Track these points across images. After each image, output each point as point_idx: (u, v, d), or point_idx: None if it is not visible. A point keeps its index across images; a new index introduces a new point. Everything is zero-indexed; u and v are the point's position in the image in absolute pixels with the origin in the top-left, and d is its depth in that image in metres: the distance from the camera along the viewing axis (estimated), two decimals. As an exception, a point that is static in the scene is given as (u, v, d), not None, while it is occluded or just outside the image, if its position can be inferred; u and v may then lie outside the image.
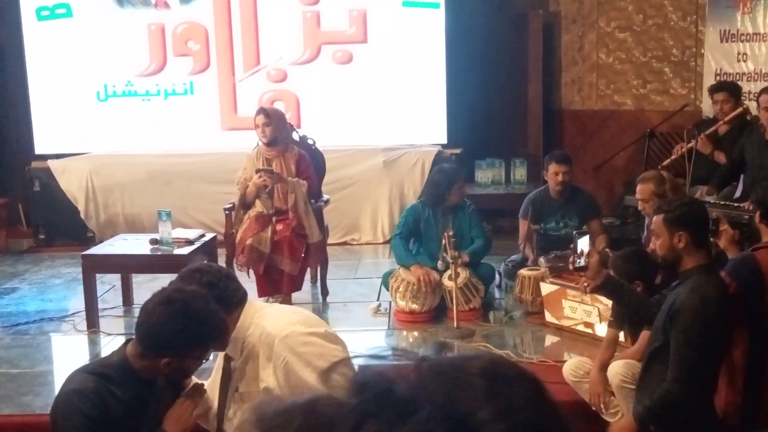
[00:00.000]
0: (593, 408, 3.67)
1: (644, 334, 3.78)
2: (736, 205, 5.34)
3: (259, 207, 5.47)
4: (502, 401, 0.69)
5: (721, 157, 5.97)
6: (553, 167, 5.52)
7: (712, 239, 3.51)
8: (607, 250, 5.14)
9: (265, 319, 2.64)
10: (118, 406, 2.45)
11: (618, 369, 3.63)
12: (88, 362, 2.63)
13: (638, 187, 4.81)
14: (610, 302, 4.25)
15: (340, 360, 2.58)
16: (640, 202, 4.80)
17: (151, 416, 2.54)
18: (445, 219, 5.40)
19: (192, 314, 2.41)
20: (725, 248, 3.55)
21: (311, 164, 5.66)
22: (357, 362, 0.75)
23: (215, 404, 2.77)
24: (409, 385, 0.70)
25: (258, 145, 5.68)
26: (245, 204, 5.51)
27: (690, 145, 5.98)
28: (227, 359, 2.69)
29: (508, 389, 0.70)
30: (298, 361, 2.52)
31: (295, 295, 5.45)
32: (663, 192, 4.72)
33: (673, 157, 6.15)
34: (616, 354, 3.82)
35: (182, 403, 2.59)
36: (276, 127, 5.47)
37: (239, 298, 2.68)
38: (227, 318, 2.56)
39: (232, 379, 2.66)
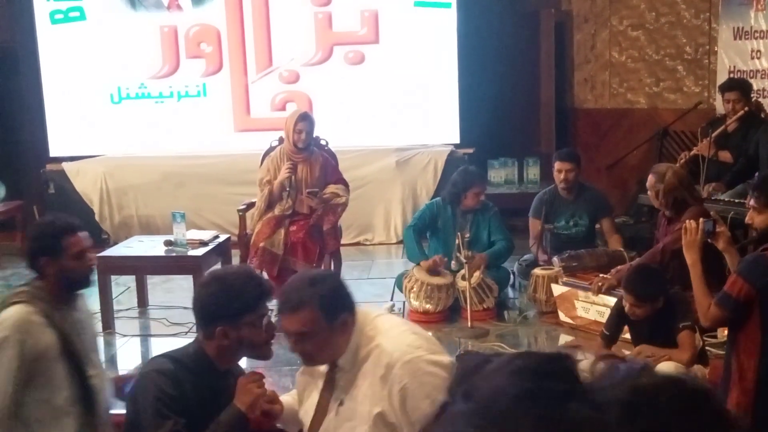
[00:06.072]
0: None
1: (641, 348, 3.78)
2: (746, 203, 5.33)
3: (275, 210, 5.47)
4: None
5: (726, 157, 5.94)
6: (558, 165, 5.50)
7: (710, 241, 3.50)
8: (625, 252, 5.14)
9: (380, 333, 2.46)
10: (192, 393, 2.50)
11: None
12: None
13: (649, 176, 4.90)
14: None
15: None
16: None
17: (224, 408, 2.54)
18: (464, 219, 5.39)
19: (225, 281, 2.55)
20: (724, 250, 3.53)
21: (337, 167, 5.68)
22: None
23: (307, 416, 2.57)
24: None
25: (273, 145, 5.69)
26: (271, 202, 5.50)
27: (693, 152, 5.97)
28: (331, 368, 2.52)
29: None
30: (419, 389, 2.35)
31: (308, 296, 5.44)
32: (658, 190, 4.74)
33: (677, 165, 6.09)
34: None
35: (245, 382, 2.58)
36: (312, 132, 5.51)
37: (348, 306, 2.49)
38: (334, 331, 2.41)
39: (336, 388, 2.50)
